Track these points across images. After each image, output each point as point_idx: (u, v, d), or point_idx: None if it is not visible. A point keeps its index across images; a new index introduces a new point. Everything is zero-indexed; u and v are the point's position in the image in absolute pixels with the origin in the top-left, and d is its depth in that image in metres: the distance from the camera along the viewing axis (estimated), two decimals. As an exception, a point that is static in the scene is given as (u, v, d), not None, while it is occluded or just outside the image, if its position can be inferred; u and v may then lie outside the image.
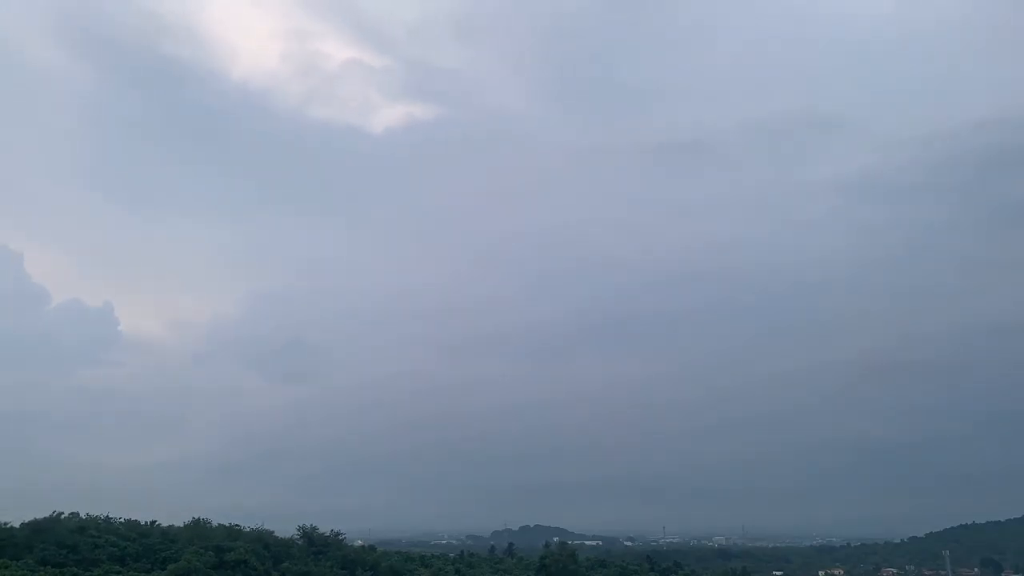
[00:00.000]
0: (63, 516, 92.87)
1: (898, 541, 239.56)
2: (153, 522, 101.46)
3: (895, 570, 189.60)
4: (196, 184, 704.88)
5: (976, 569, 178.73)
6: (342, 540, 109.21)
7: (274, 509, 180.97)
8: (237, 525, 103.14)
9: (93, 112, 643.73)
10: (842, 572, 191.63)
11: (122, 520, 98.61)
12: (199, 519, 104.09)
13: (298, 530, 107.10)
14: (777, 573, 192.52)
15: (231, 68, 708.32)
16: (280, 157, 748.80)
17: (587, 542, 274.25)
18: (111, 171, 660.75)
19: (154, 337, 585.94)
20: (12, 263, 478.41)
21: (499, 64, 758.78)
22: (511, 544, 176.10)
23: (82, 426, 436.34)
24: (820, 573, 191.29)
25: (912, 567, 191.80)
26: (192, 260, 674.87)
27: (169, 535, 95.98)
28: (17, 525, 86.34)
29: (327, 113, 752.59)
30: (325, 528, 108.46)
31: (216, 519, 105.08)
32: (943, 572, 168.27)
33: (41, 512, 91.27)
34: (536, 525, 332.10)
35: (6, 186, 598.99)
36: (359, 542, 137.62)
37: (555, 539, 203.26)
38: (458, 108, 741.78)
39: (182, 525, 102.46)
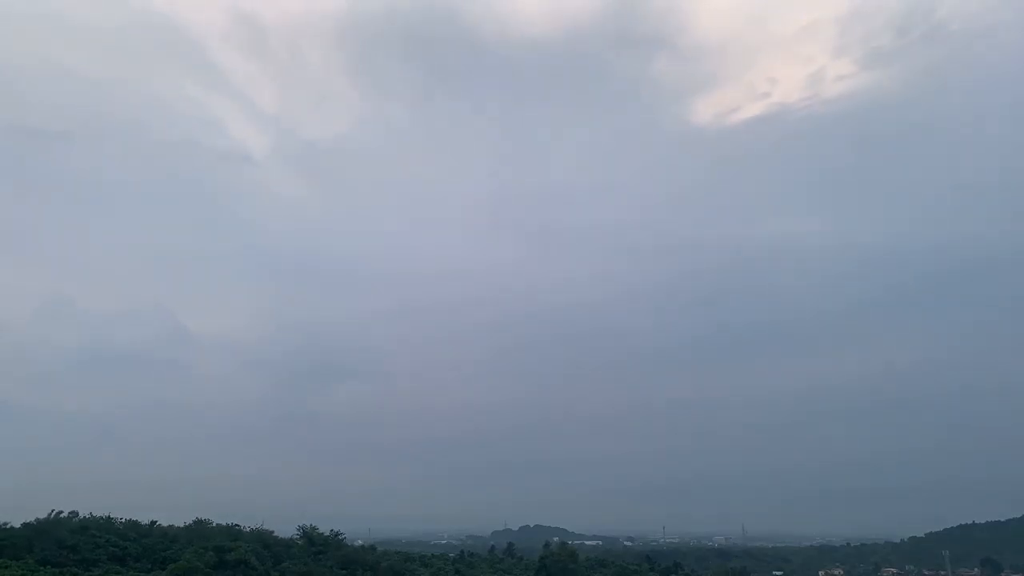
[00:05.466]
0: (63, 516, 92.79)
1: (898, 541, 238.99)
2: (153, 522, 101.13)
3: (895, 570, 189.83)
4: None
5: (976, 569, 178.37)
6: (342, 540, 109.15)
7: (274, 509, 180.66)
8: (237, 525, 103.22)
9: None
10: (842, 572, 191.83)
11: (123, 520, 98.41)
12: (199, 519, 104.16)
13: (298, 530, 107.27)
14: (777, 573, 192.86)
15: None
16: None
17: (587, 542, 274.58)
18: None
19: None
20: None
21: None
22: (511, 544, 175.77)
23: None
24: (820, 573, 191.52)
25: (912, 567, 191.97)
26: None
27: (169, 535, 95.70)
28: (17, 525, 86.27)
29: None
30: (325, 528, 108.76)
31: (216, 519, 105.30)
32: (943, 572, 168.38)
33: (41, 512, 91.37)
34: (536, 525, 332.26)
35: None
36: (359, 542, 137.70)
37: (555, 539, 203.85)
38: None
39: (182, 525, 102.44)
